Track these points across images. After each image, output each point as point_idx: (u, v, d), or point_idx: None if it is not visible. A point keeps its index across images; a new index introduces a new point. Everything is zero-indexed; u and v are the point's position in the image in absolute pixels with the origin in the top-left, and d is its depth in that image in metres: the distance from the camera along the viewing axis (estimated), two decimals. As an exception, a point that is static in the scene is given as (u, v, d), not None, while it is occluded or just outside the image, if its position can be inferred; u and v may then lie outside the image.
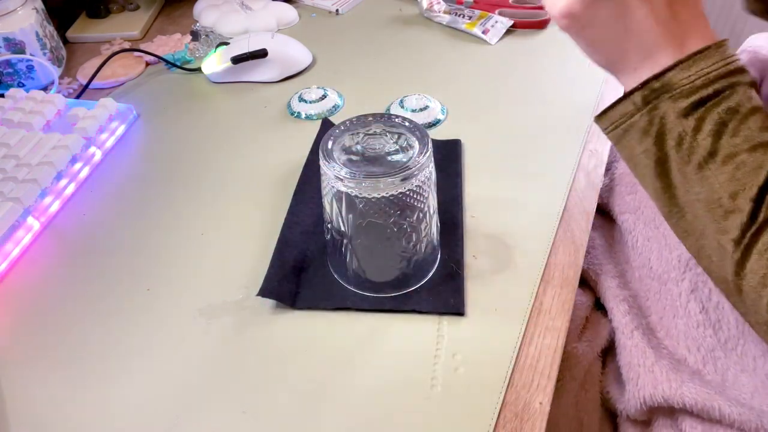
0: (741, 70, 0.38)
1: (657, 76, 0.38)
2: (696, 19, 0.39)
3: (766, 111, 0.38)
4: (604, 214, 0.63)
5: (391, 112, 0.65)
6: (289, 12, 0.86)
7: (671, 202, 0.39)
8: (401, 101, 0.66)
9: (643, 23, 0.38)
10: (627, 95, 0.39)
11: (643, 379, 0.50)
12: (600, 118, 0.41)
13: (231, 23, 0.82)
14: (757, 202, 0.35)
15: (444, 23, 0.82)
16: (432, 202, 0.45)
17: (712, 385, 0.48)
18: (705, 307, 0.48)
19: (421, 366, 0.42)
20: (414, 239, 0.44)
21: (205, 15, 0.84)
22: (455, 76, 0.73)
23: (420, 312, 0.46)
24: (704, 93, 0.37)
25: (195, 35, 0.81)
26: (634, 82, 0.39)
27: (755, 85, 0.39)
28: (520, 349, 0.43)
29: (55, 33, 0.77)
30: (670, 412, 0.50)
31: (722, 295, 0.45)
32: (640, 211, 0.55)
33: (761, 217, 0.35)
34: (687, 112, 0.37)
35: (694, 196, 0.38)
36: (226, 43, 0.74)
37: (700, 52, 0.37)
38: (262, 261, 0.49)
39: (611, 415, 0.56)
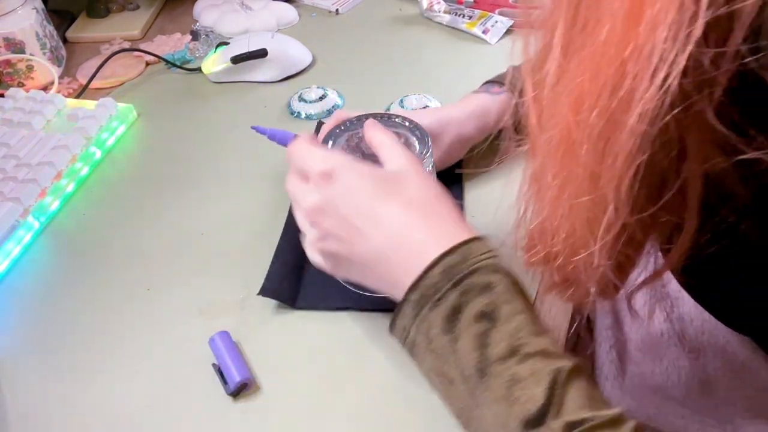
0: (488, 267, 0.35)
1: (412, 288, 0.36)
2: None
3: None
4: None
5: (391, 112, 0.65)
6: (289, 12, 0.86)
7: (470, 426, 0.35)
8: (401, 101, 0.66)
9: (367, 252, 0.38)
10: (398, 310, 0.37)
11: (609, 394, 0.50)
12: (391, 330, 0.38)
13: (231, 23, 0.82)
14: (536, 423, 0.30)
15: (444, 23, 0.82)
16: (432, 202, 0.45)
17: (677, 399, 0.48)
18: (669, 317, 0.46)
19: (421, 366, 0.42)
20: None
21: (205, 15, 0.84)
22: (455, 76, 0.73)
23: (420, 312, 0.46)
24: (454, 298, 0.34)
25: (195, 35, 0.81)
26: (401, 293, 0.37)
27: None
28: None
29: (55, 33, 0.77)
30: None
31: (681, 307, 0.45)
32: None
33: None
34: (452, 320, 0.34)
35: (488, 419, 0.33)
36: (226, 43, 0.74)
37: (445, 255, 0.35)
38: (262, 261, 0.49)
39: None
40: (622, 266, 0.34)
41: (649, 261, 0.36)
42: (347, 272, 0.41)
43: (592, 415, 0.30)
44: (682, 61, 0.23)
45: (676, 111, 0.25)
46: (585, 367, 0.33)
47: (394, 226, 0.38)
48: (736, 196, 0.27)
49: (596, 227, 0.30)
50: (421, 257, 0.36)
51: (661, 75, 0.24)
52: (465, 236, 0.36)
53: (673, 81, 0.24)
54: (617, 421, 0.30)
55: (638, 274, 0.36)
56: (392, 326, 0.38)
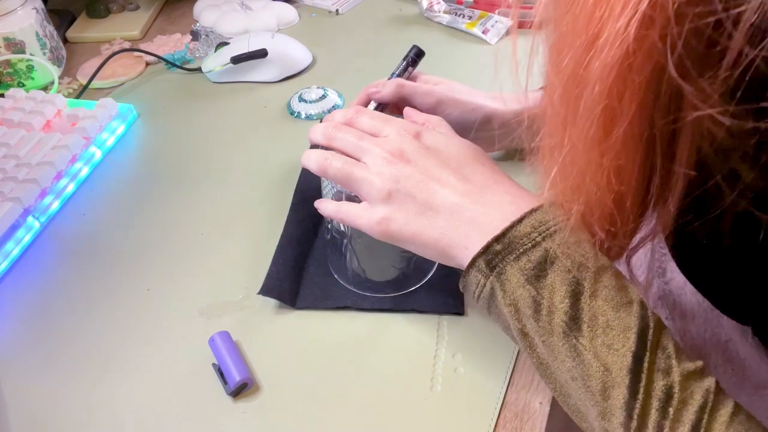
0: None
1: (498, 238, 0.35)
2: (495, 175, 0.39)
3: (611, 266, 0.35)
4: None
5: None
6: (289, 12, 0.86)
7: (553, 381, 0.36)
8: (401, 101, 0.66)
9: (447, 200, 0.38)
10: (472, 262, 0.37)
11: None
12: (462, 286, 0.39)
13: (231, 23, 0.82)
14: (634, 372, 0.31)
15: (444, 23, 0.82)
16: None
17: None
18: (671, 315, 0.47)
19: (420, 366, 0.42)
20: (414, 239, 0.44)
21: (205, 15, 0.84)
22: (455, 76, 0.72)
23: (420, 312, 0.46)
24: (549, 248, 0.34)
25: (195, 35, 0.81)
26: (472, 254, 0.36)
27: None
28: (520, 349, 0.43)
29: (55, 33, 0.77)
30: None
31: (684, 305, 0.45)
32: None
33: (641, 390, 0.31)
34: (537, 273, 0.34)
35: (567, 373, 0.34)
36: (226, 43, 0.74)
37: (535, 210, 0.36)
38: (263, 261, 0.49)
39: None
40: (620, 220, 0.34)
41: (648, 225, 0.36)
42: (408, 222, 0.39)
43: (681, 365, 0.31)
44: (643, 7, 0.24)
45: (635, 59, 0.26)
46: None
47: (480, 179, 0.39)
48: (741, 175, 0.28)
49: (580, 178, 0.31)
50: (506, 210, 0.36)
51: (622, 21, 0.25)
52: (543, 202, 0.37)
53: (632, 28, 0.25)
54: (703, 372, 0.32)
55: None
56: (464, 279, 0.37)
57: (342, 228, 0.44)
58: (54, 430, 0.40)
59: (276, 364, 0.43)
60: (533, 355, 0.36)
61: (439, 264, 0.48)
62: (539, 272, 0.34)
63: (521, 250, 0.35)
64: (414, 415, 0.40)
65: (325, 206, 0.43)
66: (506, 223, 0.36)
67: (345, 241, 0.45)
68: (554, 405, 0.41)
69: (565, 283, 0.34)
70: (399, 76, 0.54)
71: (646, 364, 0.31)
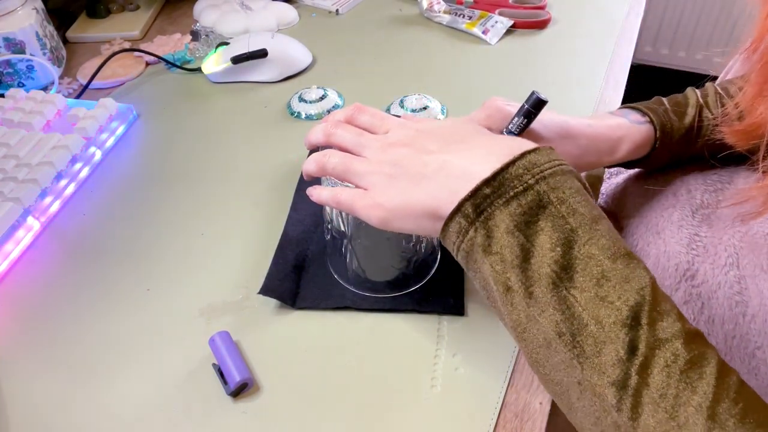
0: (572, 171, 0.34)
1: (488, 181, 0.33)
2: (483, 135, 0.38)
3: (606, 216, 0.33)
4: (607, 212, 0.63)
5: (391, 112, 0.65)
6: (289, 12, 0.86)
7: (531, 341, 0.33)
8: (401, 101, 0.66)
9: (437, 162, 0.36)
10: (458, 207, 0.34)
11: None
12: (443, 236, 0.36)
13: (231, 23, 0.82)
14: (632, 327, 0.29)
15: (444, 23, 0.82)
16: (432, 202, 0.45)
17: None
18: (696, 319, 0.46)
19: (420, 366, 0.42)
20: (414, 239, 0.44)
21: (205, 15, 0.84)
22: (455, 76, 0.73)
23: (420, 312, 0.46)
24: (542, 191, 0.32)
25: (195, 35, 0.81)
26: (457, 200, 0.34)
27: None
28: (520, 349, 0.43)
29: (55, 33, 0.77)
30: None
31: (714, 309, 0.44)
32: (643, 215, 0.53)
33: (642, 347, 0.29)
34: (528, 219, 0.32)
35: (553, 329, 0.31)
36: (226, 43, 0.74)
37: (530, 151, 0.34)
38: (262, 261, 0.49)
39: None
40: None
41: None
42: (400, 195, 0.37)
43: (684, 325, 0.30)
44: None
45: None
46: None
47: (474, 139, 0.38)
48: None
49: None
50: (499, 154, 0.34)
51: None
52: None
53: None
54: (700, 335, 0.30)
55: None
56: (445, 229, 0.35)
57: (342, 228, 0.44)
58: (54, 430, 0.40)
59: (276, 364, 0.43)
60: (513, 313, 0.33)
61: (439, 264, 0.48)
62: (530, 218, 0.32)
63: (511, 193, 0.32)
64: (414, 415, 0.40)
65: (319, 193, 0.42)
66: (498, 166, 0.33)
67: (345, 241, 0.45)
68: (554, 405, 0.41)
69: (557, 230, 0.31)
70: (516, 133, 0.43)
71: (645, 320, 0.29)
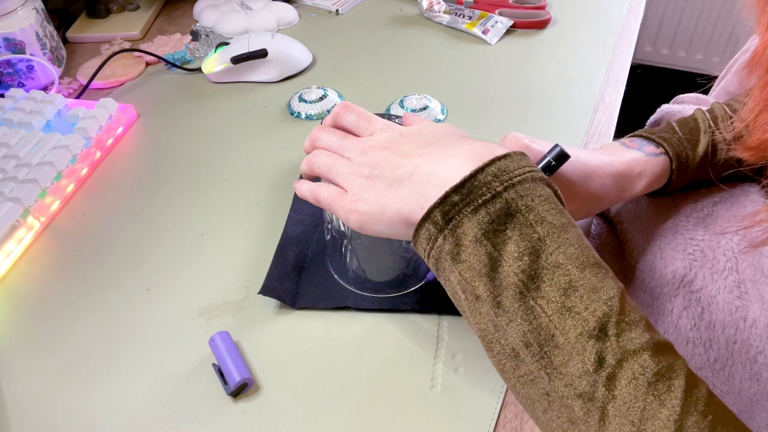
0: (543, 178, 0.34)
1: (456, 188, 0.33)
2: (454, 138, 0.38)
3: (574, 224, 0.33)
4: (605, 219, 0.62)
5: (391, 112, 0.65)
6: (289, 12, 0.86)
7: (499, 351, 0.33)
8: (401, 101, 0.66)
9: (409, 166, 0.36)
10: (427, 214, 0.34)
11: None
12: (414, 243, 0.36)
13: (231, 23, 0.82)
14: (599, 338, 0.29)
15: (444, 23, 0.83)
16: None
17: None
18: (697, 324, 0.45)
19: (420, 366, 0.42)
20: (414, 239, 0.44)
21: (205, 15, 0.84)
22: (455, 76, 0.73)
23: (420, 312, 0.46)
24: (510, 199, 0.32)
25: (195, 35, 0.81)
26: (427, 206, 0.34)
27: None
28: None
29: (55, 33, 0.77)
30: None
31: (714, 314, 0.43)
32: (639, 221, 0.53)
33: (609, 359, 0.28)
34: (496, 227, 0.32)
35: (521, 339, 0.31)
36: (226, 43, 0.74)
37: (501, 157, 0.33)
38: (262, 261, 0.49)
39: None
40: None
41: None
42: (375, 199, 0.37)
43: (653, 337, 0.29)
44: None
45: None
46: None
47: (450, 143, 0.37)
48: None
49: None
50: (469, 160, 0.34)
51: None
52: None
53: None
54: (669, 346, 0.30)
55: None
56: (416, 236, 0.35)
57: (342, 228, 0.44)
58: (54, 430, 0.40)
59: (276, 364, 0.43)
60: (481, 322, 0.33)
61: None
62: (498, 226, 0.32)
63: (480, 201, 0.32)
64: (414, 415, 0.40)
65: (300, 186, 0.43)
66: (467, 173, 0.33)
67: (345, 241, 0.45)
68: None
69: (525, 239, 0.31)
70: None
71: (612, 331, 0.29)
